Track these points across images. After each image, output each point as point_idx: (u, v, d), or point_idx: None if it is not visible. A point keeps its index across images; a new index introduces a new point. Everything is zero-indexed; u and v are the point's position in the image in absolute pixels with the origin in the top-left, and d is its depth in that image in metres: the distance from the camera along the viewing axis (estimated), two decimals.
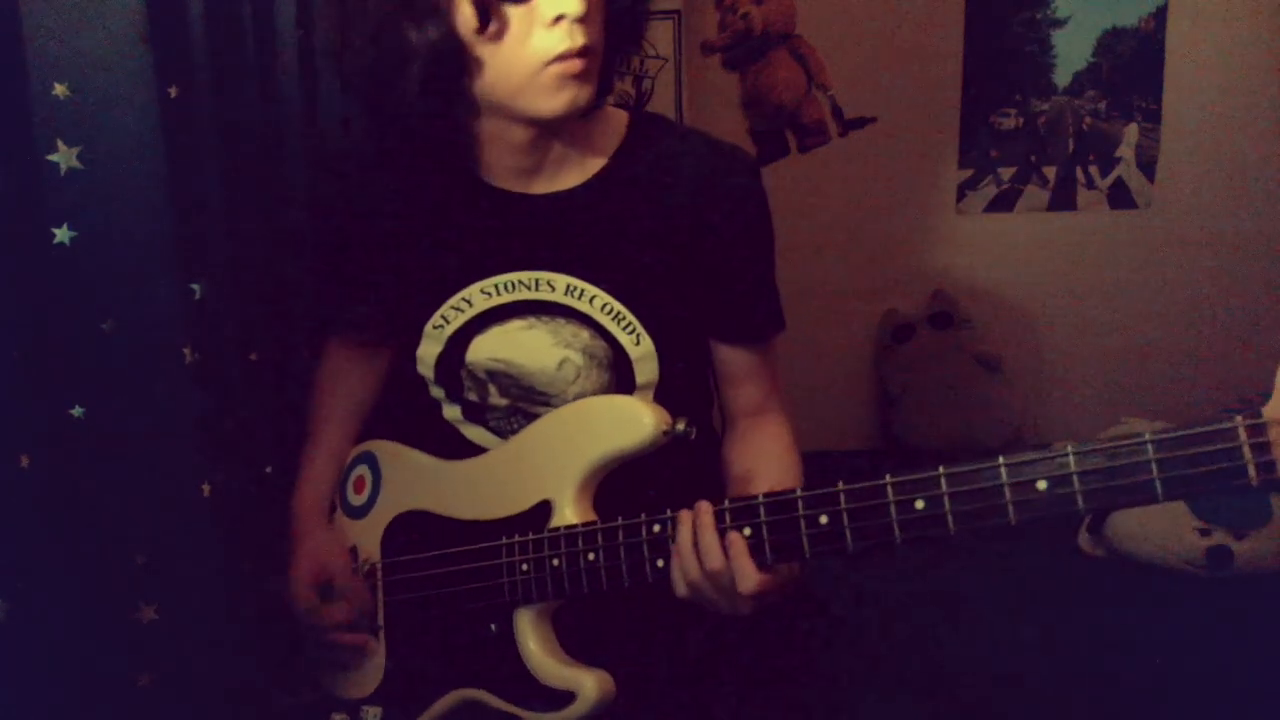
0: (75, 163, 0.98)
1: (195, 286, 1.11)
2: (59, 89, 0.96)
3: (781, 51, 3.16)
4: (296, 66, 1.36)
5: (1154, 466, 0.76)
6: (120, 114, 0.99)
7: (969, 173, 3.23)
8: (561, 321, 1.08)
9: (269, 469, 1.29)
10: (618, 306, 1.07)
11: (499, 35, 0.92)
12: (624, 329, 1.08)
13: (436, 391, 1.16)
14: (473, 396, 1.14)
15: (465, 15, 0.91)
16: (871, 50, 3.14)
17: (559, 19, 0.90)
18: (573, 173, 1.06)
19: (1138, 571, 2.50)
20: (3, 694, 0.94)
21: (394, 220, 1.09)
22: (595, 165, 1.06)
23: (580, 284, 1.06)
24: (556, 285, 1.07)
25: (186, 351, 1.08)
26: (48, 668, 0.97)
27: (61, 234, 0.98)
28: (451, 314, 1.09)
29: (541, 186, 1.06)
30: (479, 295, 1.08)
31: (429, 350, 1.12)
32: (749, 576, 0.92)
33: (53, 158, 0.97)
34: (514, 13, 0.91)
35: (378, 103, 0.99)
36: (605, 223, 1.06)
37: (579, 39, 0.92)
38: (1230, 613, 2.31)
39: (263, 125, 1.31)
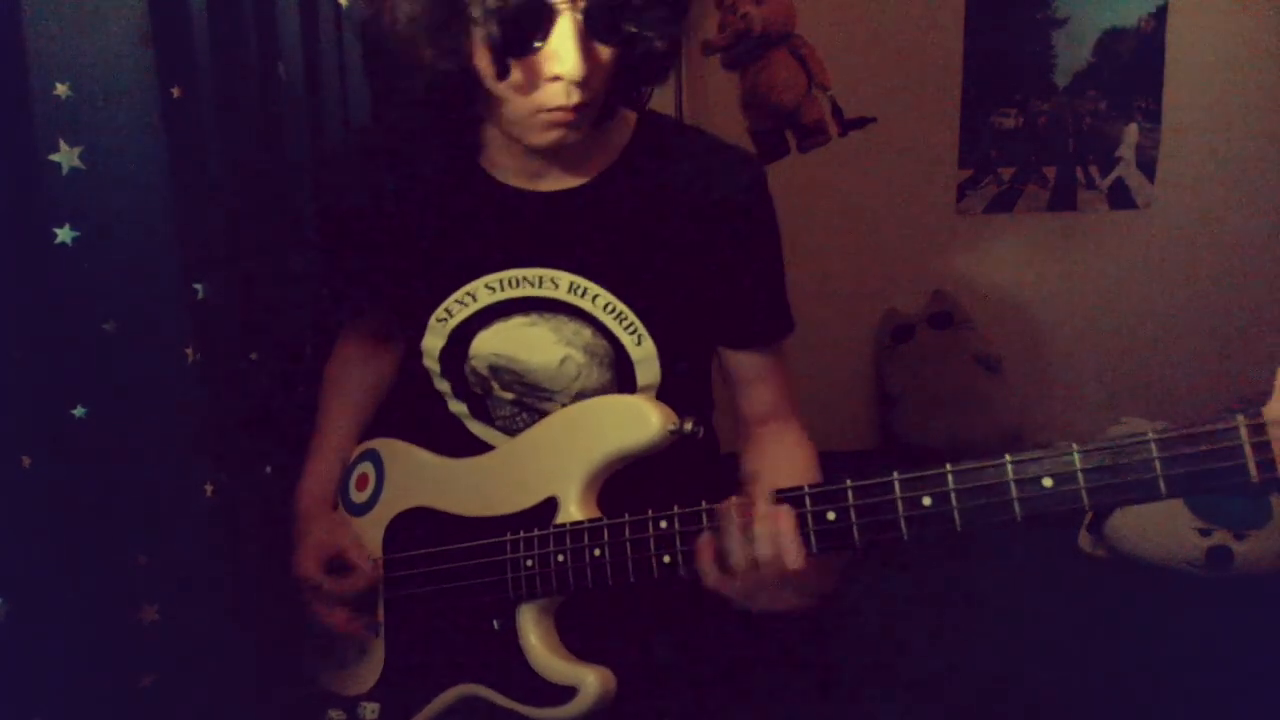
0: (77, 162, 0.98)
1: (198, 286, 1.11)
2: (61, 88, 0.96)
3: (781, 51, 3.14)
4: (299, 67, 1.36)
5: (1158, 464, 0.78)
6: (122, 114, 0.99)
7: (969, 173, 3.23)
8: (564, 319, 1.08)
9: (269, 469, 1.29)
10: (620, 306, 1.07)
11: (503, 77, 0.92)
12: (625, 329, 1.08)
13: (442, 385, 1.16)
14: (478, 391, 1.14)
15: (483, 63, 0.92)
16: (871, 50, 3.13)
17: (557, 78, 0.91)
18: (580, 171, 1.06)
19: (1138, 571, 2.50)
20: (3, 694, 0.94)
21: (402, 211, 1.10)
22: (602, 164, 1.07)
23: (583, 282, 1.06)
24: (560, 283, 1.07)
25: (189, 351, 1.08)
26: (49, 668, 0.97)
27: (63, 234, 0.98)
28: (455, 307, 1.10)
29: (548, 184, 1.06)
30: (483, 290, 1.09)
31: (433, 343, 1.13)
32: (794, 552, 0.90)
33: (54, 157, 0.97)
34: (517, 64, 0.92)
35: (393, 88, 1.00)
36: (609, 221, 1.06)
37: (574, 98, 0.93)
38: (1230, 613, 2.31)
39: (265, 126, 1.31)
